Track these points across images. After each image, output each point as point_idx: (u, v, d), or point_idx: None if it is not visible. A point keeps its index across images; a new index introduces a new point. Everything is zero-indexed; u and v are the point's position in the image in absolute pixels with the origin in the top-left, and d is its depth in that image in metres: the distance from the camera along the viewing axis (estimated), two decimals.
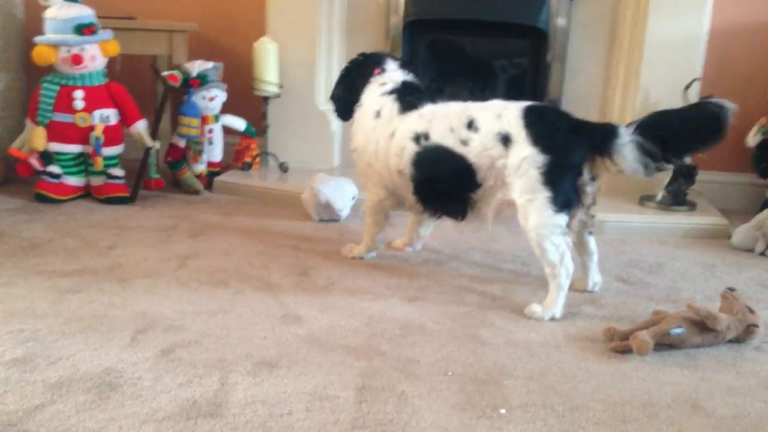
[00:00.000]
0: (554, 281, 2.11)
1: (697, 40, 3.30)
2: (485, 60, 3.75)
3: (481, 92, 3.71)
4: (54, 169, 3.11)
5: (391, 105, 2.42)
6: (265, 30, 3.63)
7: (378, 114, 2.43)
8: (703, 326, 1.92)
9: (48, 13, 3.11)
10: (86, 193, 3.23)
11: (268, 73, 3.52)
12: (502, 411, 1.61)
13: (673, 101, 3.27)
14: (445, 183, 2.29)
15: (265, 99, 3.60)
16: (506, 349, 1.91)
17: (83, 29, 3.09)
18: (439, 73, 3.78)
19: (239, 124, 3.62)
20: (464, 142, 2.21)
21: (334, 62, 3.70)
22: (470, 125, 2.22)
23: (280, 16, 3.60)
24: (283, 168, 3.61)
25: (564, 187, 2.08)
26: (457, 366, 1.80)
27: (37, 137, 3.06)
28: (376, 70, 2.53)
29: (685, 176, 3.18)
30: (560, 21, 3.44)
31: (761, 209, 3.09)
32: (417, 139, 2.30)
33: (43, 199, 3.10)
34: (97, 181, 3.19)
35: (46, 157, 3.11)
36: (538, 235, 2.09)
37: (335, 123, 3.72)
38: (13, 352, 1.76)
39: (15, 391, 1.59)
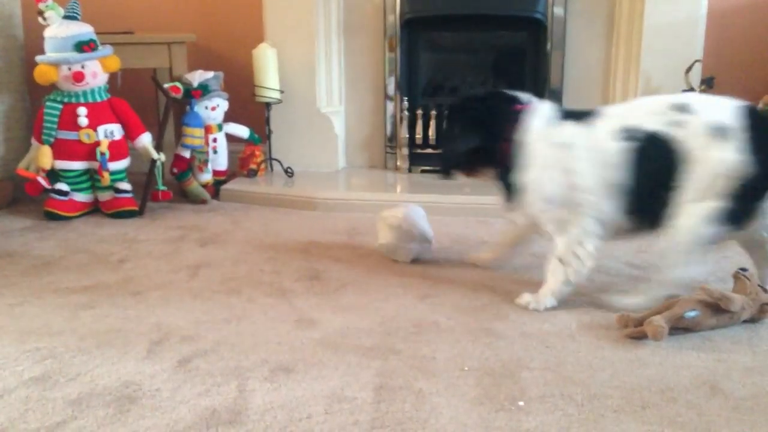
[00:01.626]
0: (654, 287, 2.01)
1: (696, 21, 3.29)
2: (484, 54, 3.74)
3: (481, 86, 3.71)
4: (62, 186, 3.12)
5: (570, 127, 2.06)
6: (263, 36, 3.64)
7: (561, 144, 2.04)
8: (717, 308, 1.92)
9: (47, 32, 3.13)
10: (95, 208, 3.25)
11: (269, 80, 3.53)
12: (521, 403, 1.61)
13: (674, 85, 3.27)
14: (658, 182, 1.97)
15: (267, 105, 3.61)
16: (521, 342, 1.91)
17: (83, 46, 3.10)
18: (438, 70, 3.78)
19: (242, 131, 3.63)
20: (678, 124, 1.93)
21: (334, 65, 3.71)
22: (683, 109, 1.95)
23: (277, 21, 3.61)
24: (289, 173, 3.62)
25: (746, 205, 1.91)
26: (473, 360, 1.80)
27: (43, 156, 3.08)
28: (518, 107, 2.13)
29: None
30: (557, 10, 3.44)
31: None
32: (621, 135, 1.98)
33: (52, 216, 3.12)
34: (105, 196, 3.21)
35: (53, 176, 3.13)
36: (682, 243, 1.92)
37: (338, 125, 3.73)
38: (31, 371, 1.77)
39: (36, 409, 1.60)
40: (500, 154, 2.09)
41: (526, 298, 2.14)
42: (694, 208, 1.90)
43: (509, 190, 2.11)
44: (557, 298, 2.11)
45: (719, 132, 1.89)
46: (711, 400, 1.62)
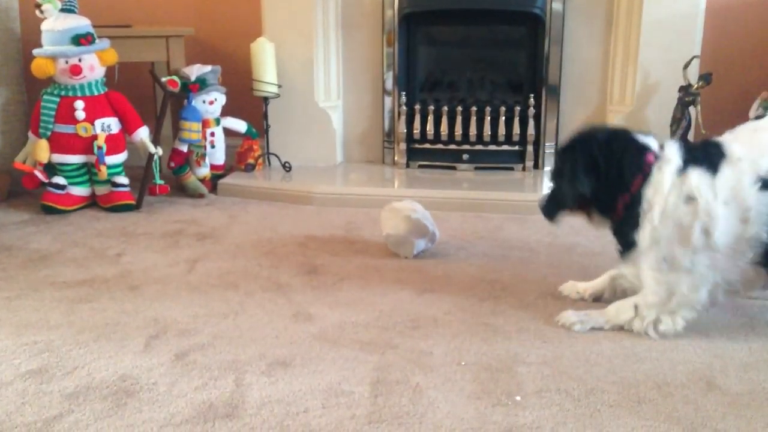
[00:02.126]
0: None
1: (694, 17, 3.28)
2: (483, 49, 3.74)
3: (480, 81, 3.71)
4: (59, 180, 3.12)
5: (700, 177, 1.81)
6: (262, 30, 3.63)
7: (692, 199, 1.80)
8: None
9: (45, 25, 3.12)
10: (92, 202, 3.24)
11: (267, 74, 3.52)
12: (518, 398, 1.61)
13: (672, 80, 3.27)
14: None
15: (265, 99, 3.60)
16: (518, 337, 1.92)
17: (80, 39, 3.09)
18: (437, 65, 3.78)
19: (240, 126, 3.63)
20: None
21: (332, 59, 3.70)
22: None
23: (275, 15, 3.60)
24: (287, 167, 3.62)
25: None
26: (470, 355, 1.81)
27: (40, 149, 3.07)
28: (650, 159, 1.87)
29: None
30: (556, 5, 3.43)
31: None
32: (761, 183, 1.76)
33: (49, 210, 3.12)
34: (102, 189, 3.20)
35: (50, 169, 3.13)
36: None
37: (336, 120, 3.73)
38: (28, 364, 1.77)
39: (33, 402, 1.60)
40: (620, 205, 1.89)
41: (571, 318, 1.97)
42: None
43: (627, 245, 1.92)
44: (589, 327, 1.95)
45: None
46: (707, 396, 1.62)
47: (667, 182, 1.82)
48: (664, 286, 1.85)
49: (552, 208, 2.02)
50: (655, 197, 1.83)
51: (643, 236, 1.85)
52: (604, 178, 1.88)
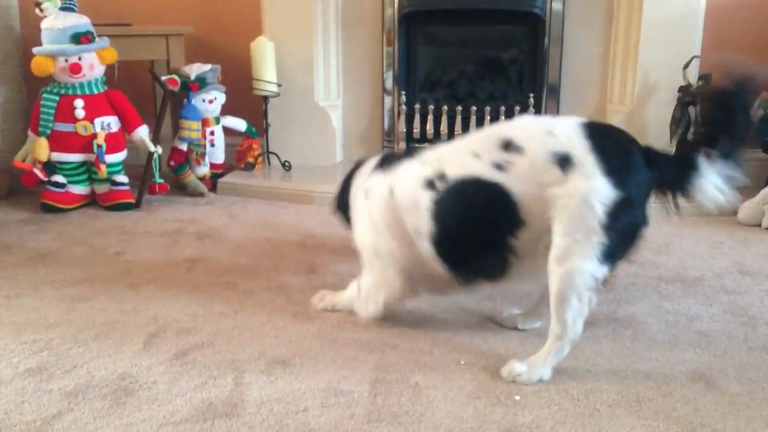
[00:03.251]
0: (556, 342, 1.68)
1: (694, 17, 3.28)
2: (482, 48, 3.73)
3: (480, 81, 3.71)
4: (59, 178, 3.12)
5: (375, 178, 1.98)
6: (262, 29, 3.63)
7: (366, 194, 1.98)
8: None
9: (44, 24, 3.11)
10: (91, 201, 3.24)
11: (267, 73, 3.52)
12: (517, 397, 1.61)
13: (672, 80, 3.27)
14: (477, 230, 1.77)
15: (265, 98, 3.60)
16: (517, 336, 1.92)
17: (80, 38, 3.09)
18: (436, 64, 3.77)
19: (240, 125, 3.63)
20: (500, 167, 1.70)
21: (332, 58, 3.70)
22: (507, 146, 1.70)
23: (275, 14, 3.60)
24: (286, 166, 3.62)
25: (625, 234, 1.67)
26: (470, 355, 1.81)
27: (40, 148, 3.07)
28: (355, 175, 2.13)
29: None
30: (556, 5, 3.43)
31: (766, 184, 3.08)
32: (431, 184, 1.79)
33: (49, 209, 3.12)
34: (101, 188, 3.20)
35: (50, 167, 3.13)
36: (568, 284, 1.63)
37: (336, 119, 3.73)
38: (27, 363, 1.77)
39: (32, 400, 1.60)
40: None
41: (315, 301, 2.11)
42: (578, 248, 1.64)
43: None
44: None
45: (562, 159, 1.64)
46: (706, 396, 1.62)
47: (358, 190, 2.02)
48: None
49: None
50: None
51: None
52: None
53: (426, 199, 1.79)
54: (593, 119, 1.76)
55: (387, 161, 2.00)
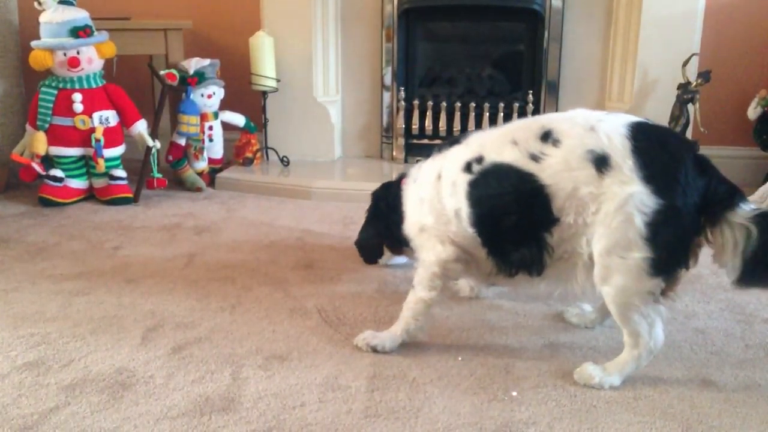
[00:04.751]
0: (633, 351, 1.64)
1: (693, 14, 3.28)
2: (482, 45, 3.73)
3: (479, 77, 3.70)
4: (57, 172, 3.11)
5: (425, 166, 1.95)
6: (260, 24, 3.62)
7: (415, 180, 1.97)
8: None
9: (43, 18, 3.11)
10: (90, 195, 3.24)
11: (265, 68, 3.51)
12: (514, 393, 1.61)
13: (671, 78, 3.27)
14: (510, 218, 1.71)
15: (264, 94, 3.60)
16: (515, 332, 1.92)
17: (79, 32, 3.09)
18: (436, 61, 3.77)
19: (238, 120, 3.62)
20: (535, 158, 1.65)
21: (331, 54, 3.70)
22: (546, 137, 1.66)
23: (274, 9, 3.59)
24: (285, 162, 3.61)
25: (672, 246, 1.56)
26: (467, 351, 1.81)
27: (38, 142, 3.06)
28: (402, 180, 2.08)
29: None
30: (555, 2, 3.43)
31: (764, 181, 3.08)
32: (468, 167, 1.76)
33: (47, 203, 3.11)
34: (99, 182, 3.20)
35: (48, 161, 3.12)
36: (622, 304, 1.59)
37: (334, 115, 3.72)
38: (25, 356, 1.77)
39: (29, 394, 1.60)
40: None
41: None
42: (623, 266, 1.58)
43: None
44: None
45: (598, 159, 1.58)
46: (703, 393, 1.62)
47: (410, 191, 1.97)
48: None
49: (368, 257, 2.37)
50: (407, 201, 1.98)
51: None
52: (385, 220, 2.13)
53: (462, 181, 1.76)
54: (647, 119, 1.66)
55: (436, 149, 1.94)
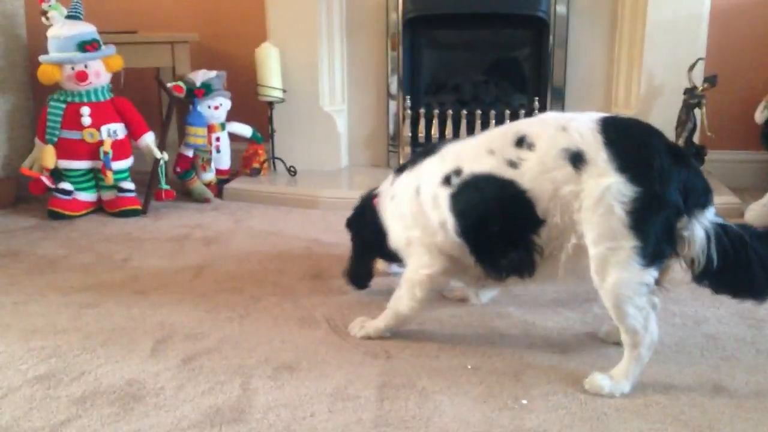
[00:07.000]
0: (633, 352, 1.63)
1: (699, 19, 3.28)
2: (487, 52, 3.74)
3: (484, 85, 3.71)
4: (66, 185, 3.13)
5: (399, 181, 1.98)
6: (266, 35, 3.64)
7: (392, 198, 1.98)
8: None
9: (50, 32, 3.13)
10: (98, 207, 3.26)
11: (272, 79, 3.53)
12: (524, 401, 1.61)
13: (677, 82, 3.27)
14: (496, 225, 1.74)
15: (270, 104, 3.61)
16: (524, 339, 1.91)
17: (86, 46, 3.11)
18: (441, 68, 3.78)
19: (245, 130, 3.64)
20: (513, 164, 1.68)
21: (336, 63, 3.71)
22: (520, 142, 1.69)
23: (279, 20, 3.61)
24: (292, 172, 3.62)
25: (660, 231, 1.57)
26: (476, 359, 1.81)
27: (47, 155, 3.08)
28: (374, 200, 2.08)
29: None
30: (560, 9, 3.43)
31: None
32: (447, 180, 1.80)
33: (56, 216, 3.13)
34: (108, 195, 3.22)
35: (57, 175, 3.14)
36: (618, 297, 1.59)
37: (341, 124, 3.73)
38: (36, 370, 1.78)
39: (40, 407, 1.61)
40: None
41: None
42: (614, 258, 1.59)
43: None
44: None
45: (573, 156, 1.61)
46: (714, 399, 1.62)
47: (384, 199, 2.01)
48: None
49: (358, 282, 2.19)
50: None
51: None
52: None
53: (443, 195, 1.80)
54: (615, 114, 1.67)
55: (409, 163, 1.99)
